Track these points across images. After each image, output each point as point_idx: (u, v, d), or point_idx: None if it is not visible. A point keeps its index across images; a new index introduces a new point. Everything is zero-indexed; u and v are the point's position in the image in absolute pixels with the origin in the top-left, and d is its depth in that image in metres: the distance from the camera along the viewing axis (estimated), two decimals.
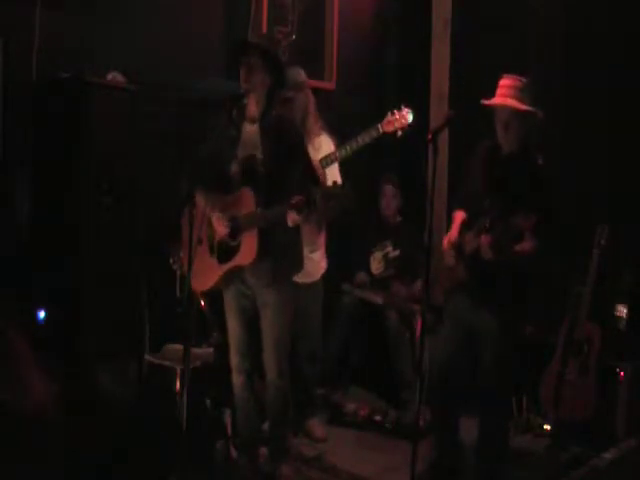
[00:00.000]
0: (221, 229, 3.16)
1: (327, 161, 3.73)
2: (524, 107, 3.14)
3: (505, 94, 3.17)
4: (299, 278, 3.83)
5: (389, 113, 3.65)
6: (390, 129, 3.63)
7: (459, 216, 3.38)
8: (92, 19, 3.68)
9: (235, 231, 3.13)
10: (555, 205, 3.14)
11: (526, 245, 3.05)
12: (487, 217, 3.12)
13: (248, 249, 3.09)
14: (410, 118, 3.63)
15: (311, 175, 3.22)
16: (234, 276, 3.21)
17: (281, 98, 3.67)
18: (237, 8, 4.43)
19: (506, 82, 3.20)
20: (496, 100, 3.19)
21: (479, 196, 3.23)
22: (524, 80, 3.20)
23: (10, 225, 3.50)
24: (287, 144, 3.15)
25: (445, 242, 3.32)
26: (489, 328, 3.19)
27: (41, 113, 3.54)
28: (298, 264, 3.33)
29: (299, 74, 3.83)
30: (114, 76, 3.63)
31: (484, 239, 3.08)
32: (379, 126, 3.65)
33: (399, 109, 3.64)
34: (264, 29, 4.47)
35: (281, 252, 3.16)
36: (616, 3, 4.33)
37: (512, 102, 3.14)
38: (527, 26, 4.75)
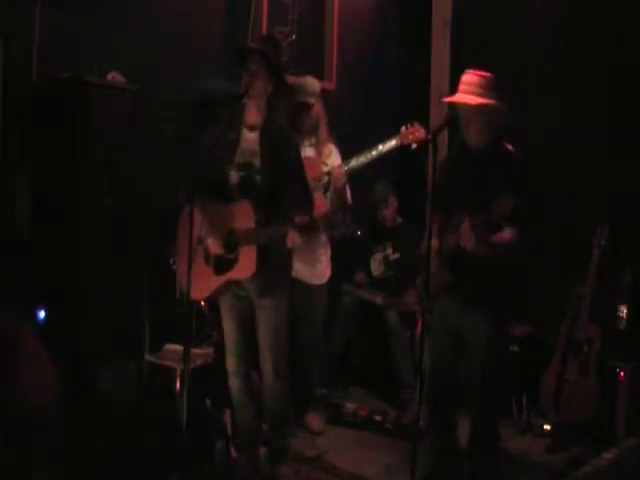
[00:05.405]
0: (216, 249, 3.14)
1: (349, 166, 3.85)
2: (480, 101, 3.02)
3: (464, 90, 3.08)
4: (310, 280, 3.97)
5: (403, 127, 3.74)
6: (407, 142, 3.73)
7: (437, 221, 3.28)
8: (92, 19, 3.68)
9: (232, 245, 3.11)
10: (532, 190, 3.05)
11: (505, 234, 2.94)
12: (463, 214, 3.02)
13: (246, 264, 3.05)
14: (424, 133, 3.73)
15: (307, 193, 3.22)
16: (230, 287, 3.19)
17: (299, 103, 3.86)
18: (237, 8, 4.43)
19: (466, 78, 3.11)
20: (454, 97, 3.11)
21: (453, 196, 3.15)
22: (486, 75, 3.09)
23: (10, 225, 3.50)
24: (287, 158, 3.14)
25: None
26: (477, 327, 3.14)
27: (41, 113, 3.53)
28: (290, 270, 3.41)
29: (316, 83, 3.99)
30: (114, 76, 3.63)
31: (464, 227, 2.98)
32: (397, 138, 3.74)
33: (411, 125, 3.74)
34: (264, 29, 4.47)
35: (278, 263, 3.16)
36: (616, 3, 4.33)
37: (469, 98, 3.04)
38: (527, 26, 4.75)
